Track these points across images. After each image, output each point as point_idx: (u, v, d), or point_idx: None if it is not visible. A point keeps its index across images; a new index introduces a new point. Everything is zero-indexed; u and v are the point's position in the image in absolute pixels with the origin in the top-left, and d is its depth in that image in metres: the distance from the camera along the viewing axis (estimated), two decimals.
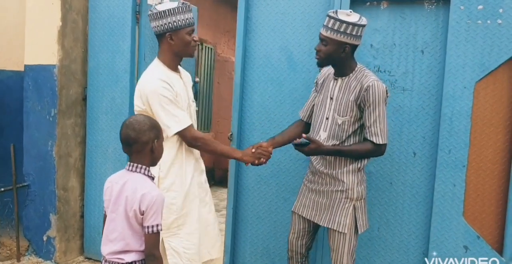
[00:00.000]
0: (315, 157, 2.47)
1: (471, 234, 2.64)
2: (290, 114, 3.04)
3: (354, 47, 2.33)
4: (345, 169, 2.34)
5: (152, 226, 1.82)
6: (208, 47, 6.61)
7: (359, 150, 2.32)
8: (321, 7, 2.92)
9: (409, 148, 2.78)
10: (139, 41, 3.48)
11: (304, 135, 2.32)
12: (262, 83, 3.11)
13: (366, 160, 2.36)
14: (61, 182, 3.51)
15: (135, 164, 1.89)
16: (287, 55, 3.03)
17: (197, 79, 4.24)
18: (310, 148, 2.31)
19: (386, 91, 2.31)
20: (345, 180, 2.33)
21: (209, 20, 6.54)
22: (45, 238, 3.57)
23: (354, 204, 2.34)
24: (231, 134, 3.15)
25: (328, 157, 2.38)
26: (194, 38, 2.37)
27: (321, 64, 2.39)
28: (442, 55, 2.69)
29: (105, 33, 3.47)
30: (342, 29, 2.24)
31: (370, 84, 2.25)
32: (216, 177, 6.83)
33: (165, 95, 2.24)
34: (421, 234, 2.78)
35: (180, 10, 2.28)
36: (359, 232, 2.38)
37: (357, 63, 2.40)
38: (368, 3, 2.82)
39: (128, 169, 1.91)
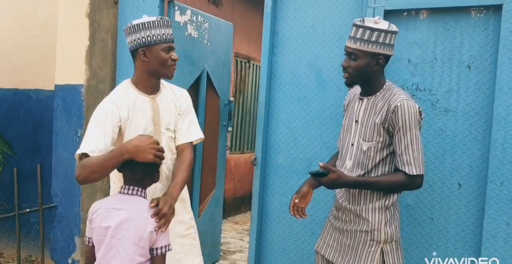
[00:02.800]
0: (339, 189, 2.15)
1: None
2: (318, 137, 2.75)
3: (387, 58, 2.02)
4: (370, 205, 2.00)
5: (162, 247, 1.83)
6: (256, 65, 6.45)
7: (389, 182, 1.97)
8: (352, 19, 2.62)
9: (453, 179, 2.40)
10: None
11: (321, 164, 2.00)
12: (288, 102, 2.85)
13: (395, 196, 1.99)
14: (86, 204, 3.42)
15: (132, 187, 1.87)
16: (316, 72, 2.76)
17: (231, 98, 4.03)
18: (329, 179, 1.96)
19: (420, 112, 1.96)
20: (370, 219, 1.98)
21: (257, 37, 6.36)
22: (70, 261, 3.48)
23: (382, 248, 1.98)
24: (255, 158, 2.91)
25: (352, 191, 2.06)
26: (172, 57, 2.07)
27: (350, 83, 2.07)
28: (492, 71, 2.31)
29: None
30: (373, 38, 1.94)
31: (399, 104, 1.92)
32: None
33: (96, 115, 2.02)
34: None
35: (157, 24, 2.03)
36: None
37: (386, 80, 2.08)
38: (405, 13, 2.50)
39: (124, 192, 1.87)
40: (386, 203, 1.97)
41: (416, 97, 2.46)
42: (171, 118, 2.17)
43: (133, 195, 1.87)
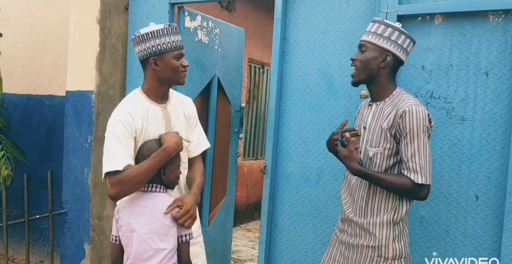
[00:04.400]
0: (346, 200, 2.07)
1: None
2: None
3: (396, 62, 1.95)
4: (377, 219, 1.90)
5: (186, 235, 1.95)
6: (270, 71, 6.39)
7: (392, 183, 1.85)
8: (364, 24, 2.55)
9: (470, 190, 2.30)
10: None
11: (347, 134, 1.95)
12: (299, 110, 2.78)
13: (404, 209, 1.89)
14: (95, 211, 3.40)
15: (151, 185, 1.96)
16: (327, 79, 2.69)
17: (243, 105, 3.98)
18: (341, 150, 1.94)
19: (429, 119, 1.87)
20: (377, 234, 1.89)
21: (271, 42, 6.29)
22: None
23: None
24: (265, 166, 2.84)
25: (359, 202, 1.97)
26: (183, 63, 2.05)
27: (356, 80, 2.00)
28: (511, 78, 2.21)
29: None
30: (386, 34, 1.92)
31: (407, 109, 1.83)
32: None
33: (114, 129, 1.97)
34: None
35: (166, 32, 2.00)
36: None
37: (397, 86, 2.00)
38: (420, 18, 2.41)
39: (145, 190, 1.96)
40: (395, 217, 1.88)
41: (431, 105, 2.37)
42: (181, 127, 2.18)
43: (153, 192, 1.96)
